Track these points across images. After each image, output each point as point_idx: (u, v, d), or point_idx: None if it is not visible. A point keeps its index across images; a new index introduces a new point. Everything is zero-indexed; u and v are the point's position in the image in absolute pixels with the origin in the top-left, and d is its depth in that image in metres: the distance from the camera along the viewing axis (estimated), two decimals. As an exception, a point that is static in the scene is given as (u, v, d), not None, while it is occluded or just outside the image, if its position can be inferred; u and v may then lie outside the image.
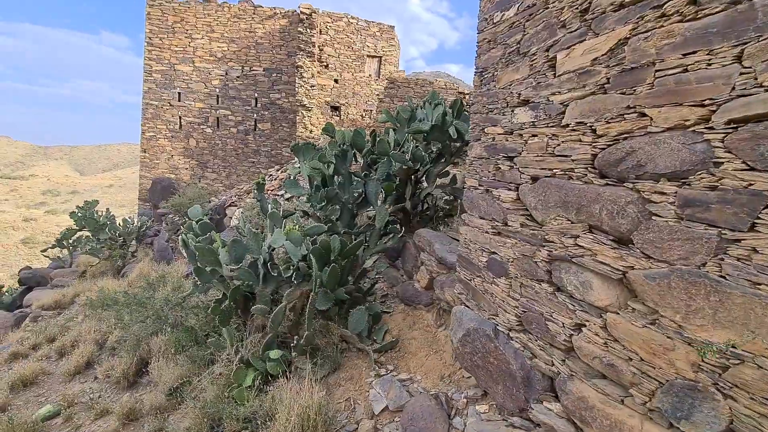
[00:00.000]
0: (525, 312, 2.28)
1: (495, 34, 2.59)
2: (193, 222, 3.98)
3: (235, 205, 9.66)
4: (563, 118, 1.99)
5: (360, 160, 5.50)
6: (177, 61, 13.87)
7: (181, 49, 13.85)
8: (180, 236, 3.84)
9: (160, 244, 9.73)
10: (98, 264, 10.43)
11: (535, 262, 2.19)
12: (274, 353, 3.50)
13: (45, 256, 11.69)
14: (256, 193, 4.36)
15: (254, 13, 13.83)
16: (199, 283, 3.98)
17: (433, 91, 5.69)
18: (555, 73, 2.05)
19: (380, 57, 15.14)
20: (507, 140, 2.45)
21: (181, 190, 11.63)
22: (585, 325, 1.86)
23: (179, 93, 13.99)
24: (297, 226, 3.83)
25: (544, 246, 2.12)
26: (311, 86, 13.06)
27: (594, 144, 1.80)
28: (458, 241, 4.47)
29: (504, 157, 2.47)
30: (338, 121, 14.29)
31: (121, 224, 11.00)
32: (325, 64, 14.45)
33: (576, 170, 1.90)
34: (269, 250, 4.06)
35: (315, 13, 13.23)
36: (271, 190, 9.29)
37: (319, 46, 13.95)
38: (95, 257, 10.56)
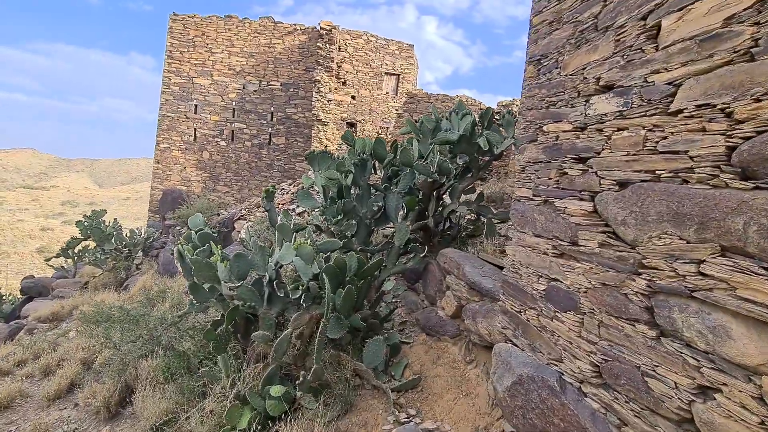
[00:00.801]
0: (607, 361, 1.72)
1: (560, 12, 2.13)
2: (193, 232, 3.53)
3: (245, 219, 9.27)
4: (672, 102, 1.49)
5: (379, 173, 5.06)
6: (195, 74, 13.90)
7: (201, 62, 13.89)
8: (176, 247, 3.38)
9: (166, 256, 9.33)
10: (101, 275, 10.07)
11: (625, 294, 1.64)
12: (276, 390, 2.95)
13: (49, 266, 11.41)
14: (264, 202, 3.91)
15: (274, 29, 13.87)
16: (195, 301, 3.50)
17: (460, 101, 5.26)
18: (657, 46, 1.57)
19: (398, 75, 14.99)
20: (578, 138, 1.95)
21: (190, 201, 11.36)
22: (720, 390, 1.29)
23: (196, 105, 13.95)
24: (309, 241, 3.35)
25: (639, 274, 1.58)
26: (328, 101, 12.88)
27: (730, 133, 1.29)
28: (491, 264, 3.92)
29: (573, 159, 1.97)
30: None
31: (128, 235, 10.69)
32: (342, 80, 14.33)
33: (697, 170, 1.38)
34: (276, 266, 3.57)
35: (335, 29, 13.19)
36: (283, 204, 8.90)
37: (337, 63, 13.86)
38: (99, 268, 10.22)
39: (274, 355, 3.15)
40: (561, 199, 2.03)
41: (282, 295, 3.48)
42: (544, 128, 2.20)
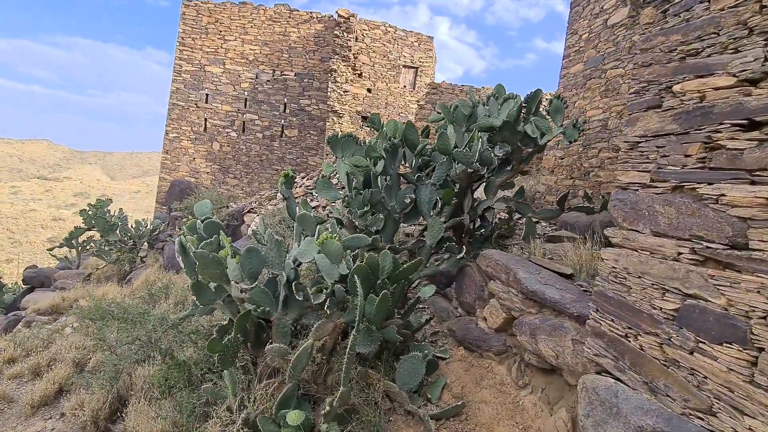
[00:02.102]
0: (814, 427, 1.13)
1: (709, -76, 1.53)
2: (198, 220, 3.00)
3: (254, 212, 8.77)
4: None
5: (410, 162, 4.49)
6: (207, 62, 13.45)
7: (213, 50, 13.43)
8: (177, 239, 2.85)
9: (171, 250, 8.87)
10: (104, 267, 9.65)
11: None
12: (294, 416, 2.39)
13: (52, 255, 11.04)
14: (282, 188, 3.36)
15: (290, 17, 13.36)
16: (198, 303, 2.96)
17: (500, 85, 4.64)
18: None
19: (416, 68, 14.39)
20: (748, 95, 1.35)
21: (198, 193, 10.89)
22: None
23: (207, 95, 13.50)
24: (336, 236, 2.80)
25: None
26: (344, 92, 12.34)
27: None
28: (549, 269, 3.31)
29: (736, 125, 1.37)
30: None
31: (134, 226, 10.27)
32: (359, 72, 13.76)
33: None
34: (295, 264, 3.02)
35: (353, 17, 12.64)
36: (295, 198, 8.37)
37: (354, 54, 13.29)
38: (102, 260, 9.80)
39: (291, 372, 2.60)
40: (710, 183, 1.44)
41: (301, 298, 2.93)
42: (676, 88, 1.60)
